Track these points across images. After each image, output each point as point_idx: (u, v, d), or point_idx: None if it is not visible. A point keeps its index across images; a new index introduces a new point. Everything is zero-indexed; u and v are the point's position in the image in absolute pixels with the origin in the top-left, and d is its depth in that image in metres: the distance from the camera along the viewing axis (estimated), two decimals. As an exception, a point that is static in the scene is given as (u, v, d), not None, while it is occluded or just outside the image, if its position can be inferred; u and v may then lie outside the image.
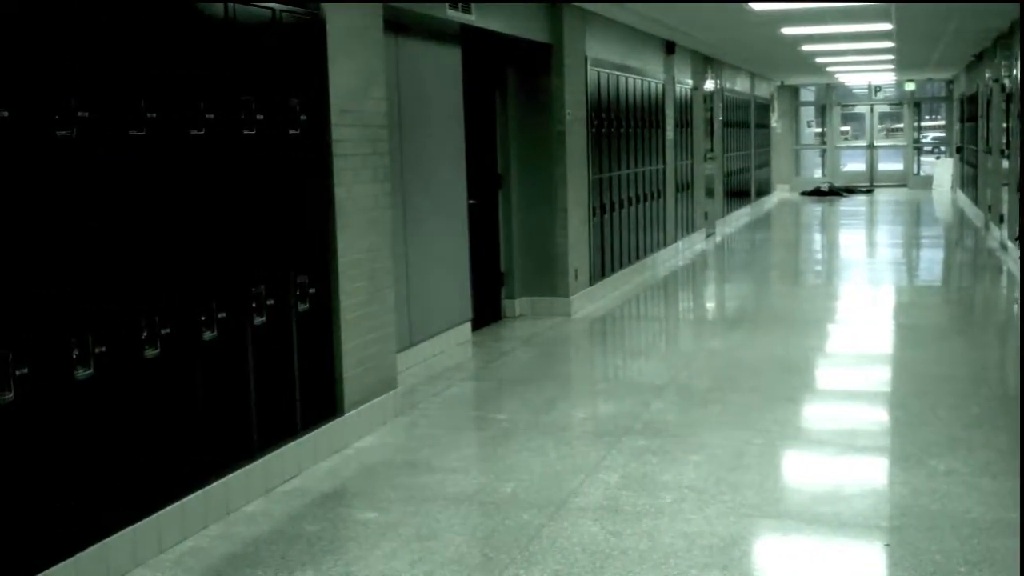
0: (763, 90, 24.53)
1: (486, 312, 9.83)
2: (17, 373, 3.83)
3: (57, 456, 4.04)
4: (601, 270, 11.41)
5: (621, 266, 12.17)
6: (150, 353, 4.49)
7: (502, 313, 10.25)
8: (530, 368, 8.24)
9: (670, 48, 14.51)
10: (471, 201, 9.27)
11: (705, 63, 17.20)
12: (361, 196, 6.25)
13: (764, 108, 24.94)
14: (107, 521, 4.28)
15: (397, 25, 7.68)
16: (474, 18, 8.41)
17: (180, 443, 4.71)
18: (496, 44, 9.73)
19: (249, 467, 5.15)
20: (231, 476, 5.01)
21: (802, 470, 5.73)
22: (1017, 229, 11.73)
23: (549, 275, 10.33)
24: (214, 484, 4.89)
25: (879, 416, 6.65)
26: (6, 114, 3.79)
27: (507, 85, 10.19)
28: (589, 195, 10.95)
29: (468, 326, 9.17)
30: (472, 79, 9.33)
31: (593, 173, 11.07)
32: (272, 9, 5.37)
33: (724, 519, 4.78)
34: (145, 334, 4.47)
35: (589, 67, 10.93)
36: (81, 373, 4.12)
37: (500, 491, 5.27)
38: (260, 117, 5.26)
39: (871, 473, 5.49)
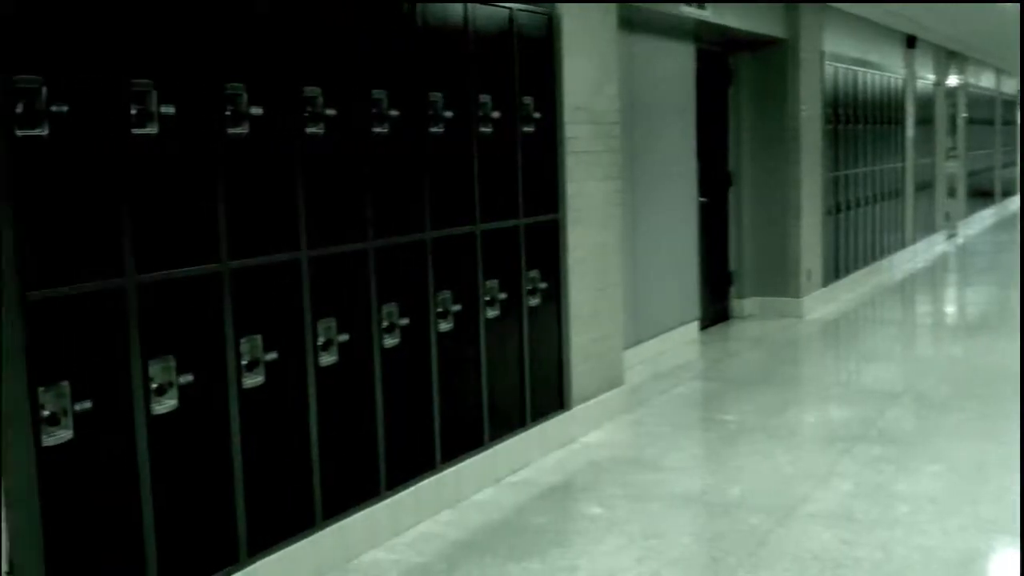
0: (1009, 86, 23.30)
1: (714, 311, 9.72)
2: (267, 358, 4.04)
3: (302, 434, 4.24)
4: (835, 271, 11.09)
5: (856, 267, 11.80)
6: (389, 342, 4.65)
7: (730, 313, 10.10)
8: (759, 369, 8.10)
9: (911, 42, 13.97)
10: (701, 199, 9.19)
11: (948, 57, 16.48)
12: (592, 193, 6.29)
13: (1010, 105, 23.69)
14: (346, 501, 4.46)
15: (630, 22, 7.68)
16: (709, 14, 8.33)
17: (416, 429, 4.87)
18: (729, 40, 9.60)
19: (479, 456, 5.27)
20: (462, 464, 5.14)
21: (1050, 486, 5.43)
22: None
23: (780, 275, 10.12)
24: (446, 471, 5.03)
25: None
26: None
27: (740, 81, 10.04)
28: (824, 193, 10.66)
29: (696, 325, 9.09)
30: (704, 75, 9.24)
31: (828, 171, 10.78)
32: (509, 9, 5.48)
33: (963, 533, 4.58)
34: (385, 324, 4.63)
35: (825, 62, 10.64)
36: (325, 359, 4.31)
37: (727, 493, 5.20)
38: (496, 115, 5.38)
39: None
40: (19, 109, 3.17)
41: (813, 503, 5.00)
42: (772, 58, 9.97)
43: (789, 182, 10.01)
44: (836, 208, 11.07)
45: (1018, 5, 10.59)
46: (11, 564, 3.16)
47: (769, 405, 6.84)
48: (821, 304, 10.56)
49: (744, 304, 10.17)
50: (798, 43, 9.94)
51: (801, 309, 10.08)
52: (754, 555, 4.42)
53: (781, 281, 10.12)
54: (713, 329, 9.55)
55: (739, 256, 10.14)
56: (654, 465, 5.66)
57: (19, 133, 3.17)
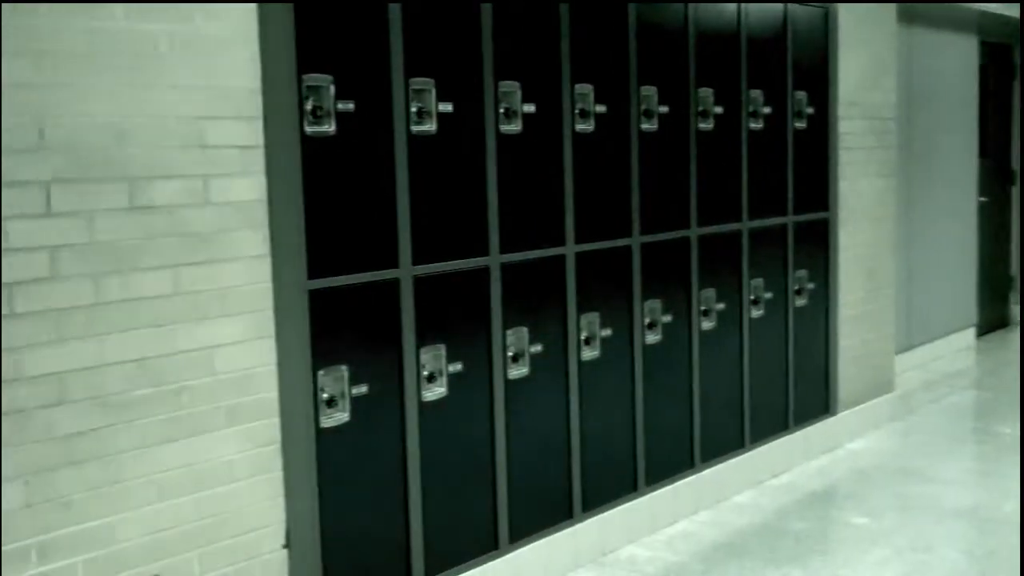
0: None
1: (992, 318, 9.21)
2: (532, 350, 4.12)
3: (563, 427, 4.30)
4: None
5: None
6: (651, 339, 4.66)
7: (1009, 320, 9.55)
8: (1041, 380, 7.62)
9: None
10: (981, 198, 8.72)
11: None
12: (864, 191, 6.08)
13: None
14: (605, 495, 4.49)
15: (910, 15, 7.37)
16: (995, 5, 7.89)
17: (676, 427, 4.85)
18: (1015, 31, 9.05)
19: (740, 457, 5.20)
20: (722, 464, 5.08)
21: None
22: None
23: (1068, 281, 9.48)
24: (706, 471, 4.98)
25: None
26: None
27: (1028, 74, 9.47)
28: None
29: (972, 331, 8.65)
30: (988, 68, 8.76)
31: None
32: (783, 4, 5.36)
33: None
34: (647, 321, 4.64)
35: None
36: (587, 354, 4.36)
37: (1001, 509, 4.93)
38: (766, 111, 5.28)
39: None
40: (308, 106, 3.35)
41: (1101, 526, 4.67)
42: (1065, 49, 9.35)
43: (1081, 181, 9.37)
44: None
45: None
46: (288, 538, 3.35)
47: (1052, 419, 6.43)
48: (1114, 313, 9.83)
49: (1026, 310, 9.60)
50: (1095, 33, 9.28)
51: (1091, 317, 9.42)
52: (1033, 578, 4.18)
53: (1069, 287, 9.48)
54: (990, 336, 9.05)
55: (1021, 260, 9.56)
56: (923, 476, 5.43)
57: (308, 130, 3.35)
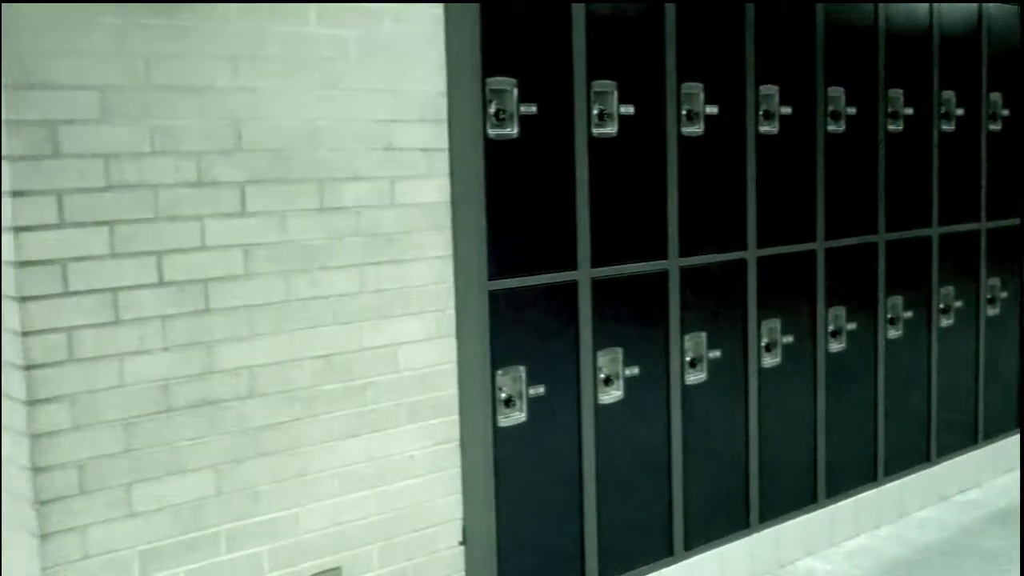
0: None
1: None
2: (711, 355, 4.07)
3: (740, 437, 4.23)
4: None
5: None
6: (834, 347, 4.54)
7: None
8: None
9: None
10: None
11: None
12: (1065, 196, 5.80)
13: None
14: (783, 506, 4.39)
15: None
16: None
17: (857, 438, 4.71)
18: None
19: (925, 472, 5.02)
20: (907, 478, 4.92)
21: None
22: None
23: None
24: (888, 484, 4.83)
25: None
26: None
27: None
28: None
29: None
30: None
31: None
32: (978, 4, 5.15)
33: None
34: (831, 328, 4.53)
35: None
36: (768, 361, 4.28)
37: None
38: (959, 113, 5.09)
39: None
40: (491, 109, 3.38)
41: None
42: None
43: None
44: None
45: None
46: (464, 535, 3.39)
47: None
48: None
49: None
50: None
51: None
52: None
53: None
54: None
55: None
56: (1125, 497, 5.14)
57: (491, 133, 3.38)
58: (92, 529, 2.66)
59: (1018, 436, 5.55)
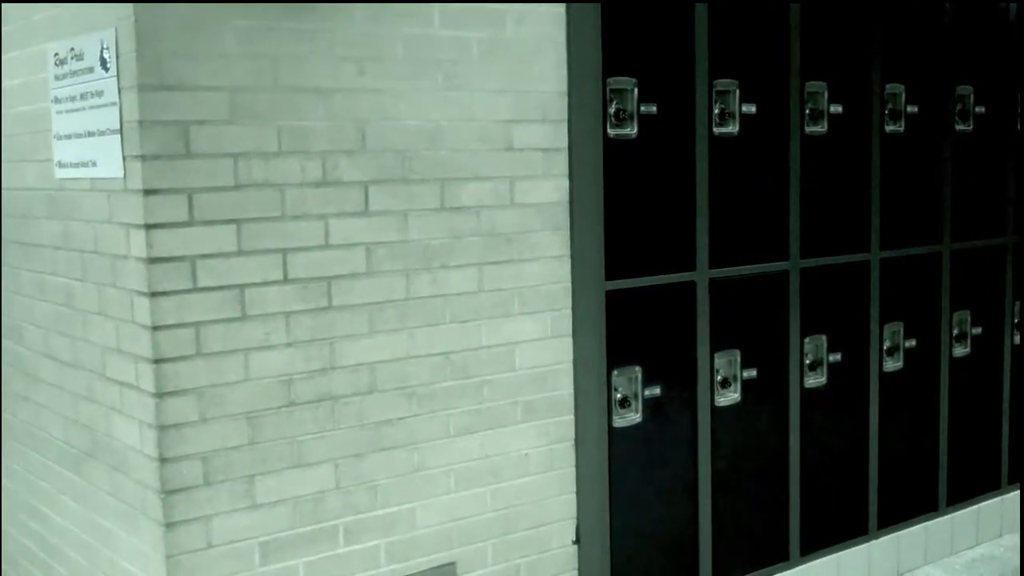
0: None
1: None
2: (831, 359, 4.00)
3: (861, 442, 4.16)
4: None
5: None
6: (959, 352, 4.44)
7: None
8: None
9: None
10: None
11: None
12: None
13: None
14: (903, 513, 4.30)
15: None
16: None
17: (981, 445, 4.59)
18: None
19: (1050, 481, 4.87)
20: (1031, 487, 4.79)
21: None
22: None
23: None
24: (1012, 492, 4.70)
25: None
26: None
27: None
28: None
29: None
30: None
31: None
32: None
33: None
34: (956, 332, 4.42)
35: None
36: (890, 365, 4.20)
37: None
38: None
39: None
40: (611, 109, 3.37)
41: None
42: None
43: None
44: None
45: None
46: (578, 534, 3.39)
47: None
48: None
49: None
50: None
51: None
52: None
53: None
54: None
55: None
56: None
57: (610, 133, 3.37)
58: (215, 519, 2.74)
59: None
